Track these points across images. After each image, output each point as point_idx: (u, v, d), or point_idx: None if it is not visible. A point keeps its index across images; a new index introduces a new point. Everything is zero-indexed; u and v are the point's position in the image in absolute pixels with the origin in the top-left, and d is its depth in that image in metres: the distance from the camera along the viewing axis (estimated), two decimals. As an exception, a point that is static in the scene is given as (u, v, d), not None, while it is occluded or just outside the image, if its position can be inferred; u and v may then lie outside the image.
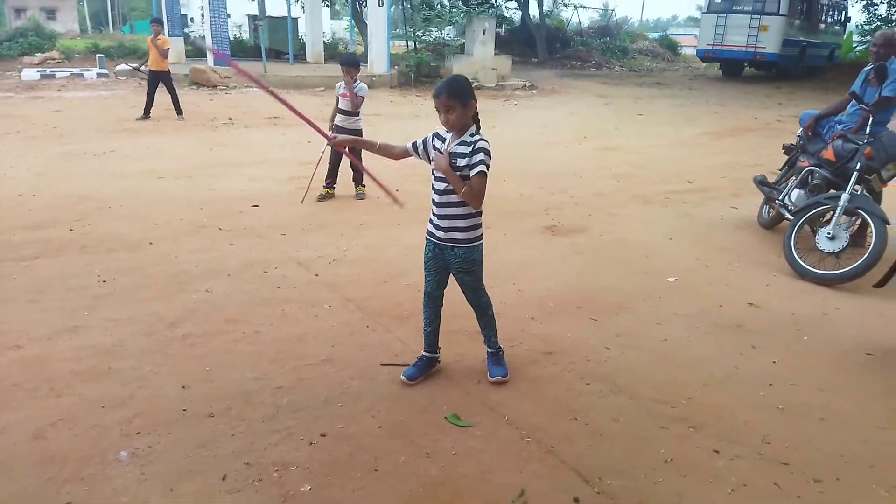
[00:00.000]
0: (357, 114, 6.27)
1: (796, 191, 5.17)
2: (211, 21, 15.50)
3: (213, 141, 9.33)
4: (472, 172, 2.77)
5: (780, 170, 5.96)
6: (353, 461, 2.56)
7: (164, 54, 10.66)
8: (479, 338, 3.26)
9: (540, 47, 26.84)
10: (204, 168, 7.60)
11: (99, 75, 16.17)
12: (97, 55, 17.89)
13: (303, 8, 23.73)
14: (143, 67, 11.31)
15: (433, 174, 2.91)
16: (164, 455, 2.54)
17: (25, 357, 3.23)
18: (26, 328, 3.53)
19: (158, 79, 10.71)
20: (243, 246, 5.03)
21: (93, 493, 2.32)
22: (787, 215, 5.11)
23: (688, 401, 3.03)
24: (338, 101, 6.29)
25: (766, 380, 3.24)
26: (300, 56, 21.28)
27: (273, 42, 20.57)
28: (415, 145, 2.97)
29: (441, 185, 2.86)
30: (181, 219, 5.62)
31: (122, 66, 16.43)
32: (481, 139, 2.81)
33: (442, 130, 2.92)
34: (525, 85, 17.71)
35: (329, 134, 3.05)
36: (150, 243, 4.98)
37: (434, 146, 2.91)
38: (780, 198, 5.30)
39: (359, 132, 6.19)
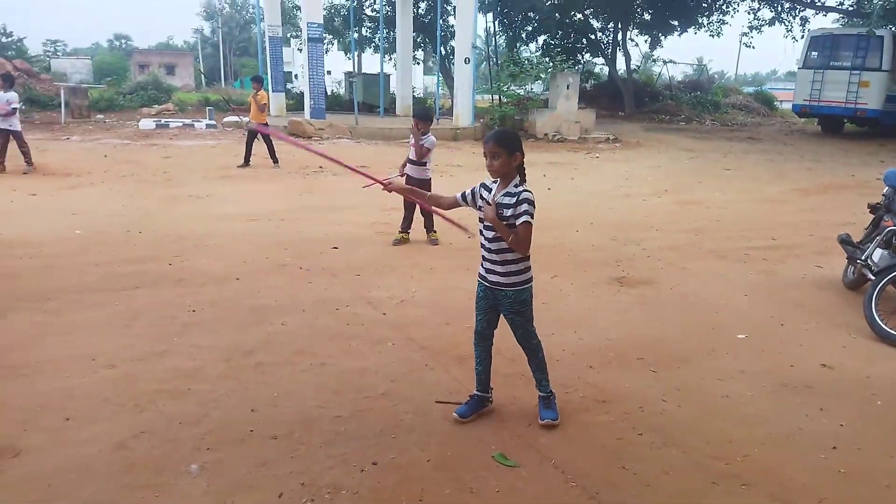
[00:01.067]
0: (424, 163, 6.60)
1: (879, 251, 4.95)
2: (310, 77, 16.62)
3: (304, 188, 9.94)
4: (518, 222, 2.94)
5: (866, 229, 5.71)
6: (400, 490, 2.67)
7: (262, 108, 11.54)
8: (533, 382, 3.32)
9: (627, 101, 26.86)
10: (293, 212, 8.11)
11: (208, 126, 17.60)
12: (207, 108, 19.52)
13: (395, 65, 24.99)
14: (243, 118, 12.27)
15: (481, 222, 3.08)
16: (228, 470, 2.75)
17: (117, 375, 3.59)
18: (120, 350, 3.91)
19: (256, 131, 11.57)
20: (320, 284, 5.34)
21: (162, 500, 2.55)
22: (870, 275, 4.89)
23: (743, 458, 2.96)
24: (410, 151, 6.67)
25: (830, 442, 3.10)
26: (391, 109, 22.31)
27: (366, 96, 21.71)
28: (464, 195, 3.17)
29: (490, 233, 3.03)
30: (266, 257, 6.04)
31: (231, 118, 17.82)
32: (525, 190, 2.99)
33: (489, 180, 3.09)
34: (608, 138, 17.74)
35: (384, 180, 3.30)
36: (237, 279, 5.38)
37: (481, 196, 3.08)
38: (863, 257, 5.08)
39: (426, 181, 6.53)
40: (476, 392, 3.29)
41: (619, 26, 28.35)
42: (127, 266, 5.64)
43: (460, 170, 12.10)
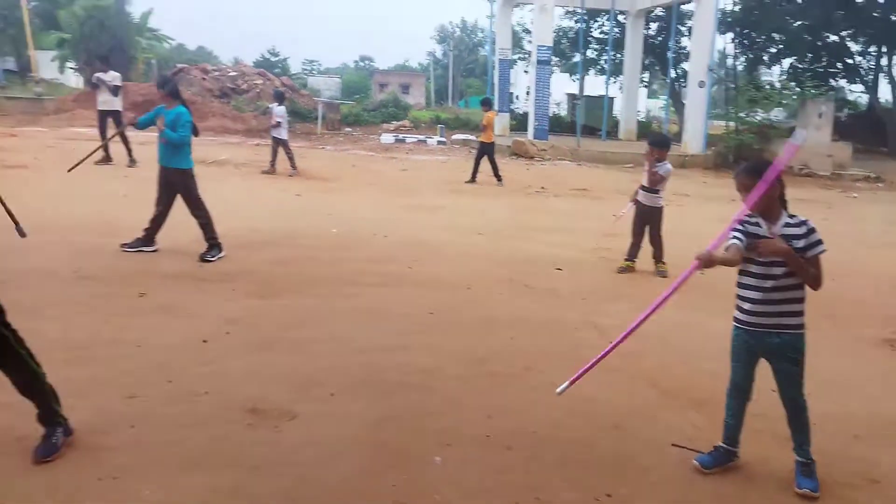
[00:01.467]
0: (657, 191, 6.35)
1: None
2: (536, 99, 17.02)
3: (526, 206, 10.17)
4: (814, 252, 2.72)
5: None
6: (635, 527, 2.59)
7: (489, 128, 12.04)
8: (789, 444, 3.01)
9: (891, 136, 23.39)
10: (515, 229, 8.33)
11: (439, 142, 18.85)
12: (438, 125, 20.92)
13: (620, 88, 24.54)
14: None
15: (748, 260, 2.82)
16: (468, 468, 2.89)
17: (368, 361, 3.96)
18: (370, 339, 4.31)
19: (485, 150, 12.11)
20: (545, 304, 5.39)
21: (410, 484, 2.75)
22: None
23: None
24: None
25: None
26: (613, 133, 21.94)
27: (588, 119, 21.64)
28: (740, 243, 2.80)
29: (777, 269, 2.76)
30: (493, 271, 6.26)
31: (459, 136, 18.93)
32: (809, 220, 2.77)
33: (743, 217, 2.83)
34: (869, 176, 15.60)
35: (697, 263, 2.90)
36: (468, 288, 5.65)
37: (750, 232, 2.80)
38: None
39: (658, 210, 6.34)
40: (722, 444, 3.05)
41: (884, 50, 24.83)
42: (374, 265, 6.21)
43: (688, 199, 11.49)
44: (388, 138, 19.00)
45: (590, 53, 28.82)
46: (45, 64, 39.79)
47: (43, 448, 2.71)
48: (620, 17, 22.53)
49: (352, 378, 3.70)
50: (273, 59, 70.12)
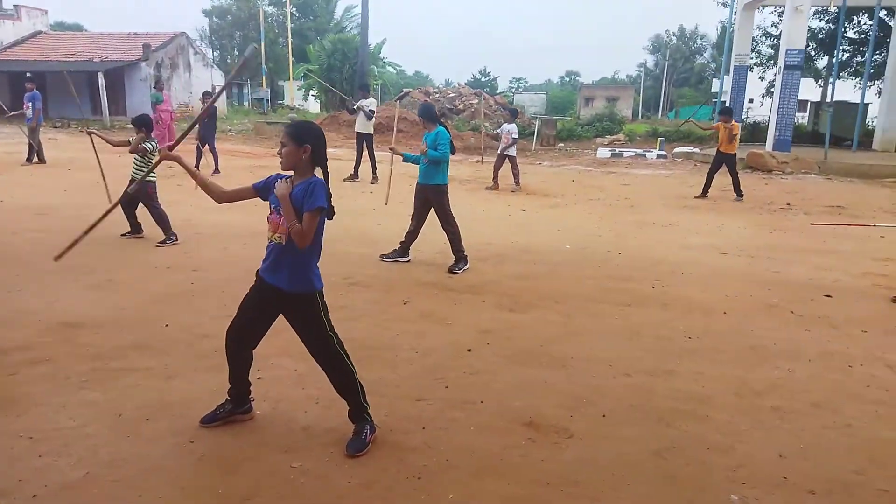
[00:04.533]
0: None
1: None
2: (779, 107, 15.54)
3: (772, 225, 9.29)
4: None
5: None
6: None
7: (731, 139, 11.19)
8: None
9: None
10: (765, 250, 7.63)
11: (658, 156, 18.08)
12: (658, 138, 20.06)
13: (878, 93, 21.45)
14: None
15: None
16: (770, 513, 2.67)
17: (634, 384, 3.86)
18: (632, 361, 4.20)
19: (723, 161, 11.30)
20: (819, 334, 4.85)
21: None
22: None
23: None
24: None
25: None
26: (864, 143, 19.25)
27: (835, 128, 19.24)
28: None
29: None
30: (750, 295, 5.78)
31: (680, 149, 17.96)
32: None
33: None
34: None
35: None
36: (724, 312, 5.28)
37: None
38: None
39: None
40: None
41: None
42: (614, 283, 6.09)
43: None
44: (604, 153, 18.67)
45: (842, 56, 25.64)
46: (295, 93, 45.76)
47: (354, 443, 3.02)
48: (883, 14, 19.73)
49: (621, 400, 3.63)
50: (483, 78, 73.09)
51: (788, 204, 10.89)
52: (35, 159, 13.46)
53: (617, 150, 19.13)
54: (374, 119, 12.58)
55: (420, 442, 3.15)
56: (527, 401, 3.59)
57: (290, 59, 30.57)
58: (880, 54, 19.84)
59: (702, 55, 76.17)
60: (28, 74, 16.19)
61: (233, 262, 6.38)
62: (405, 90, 33.23)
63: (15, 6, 31.91)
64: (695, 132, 23.35)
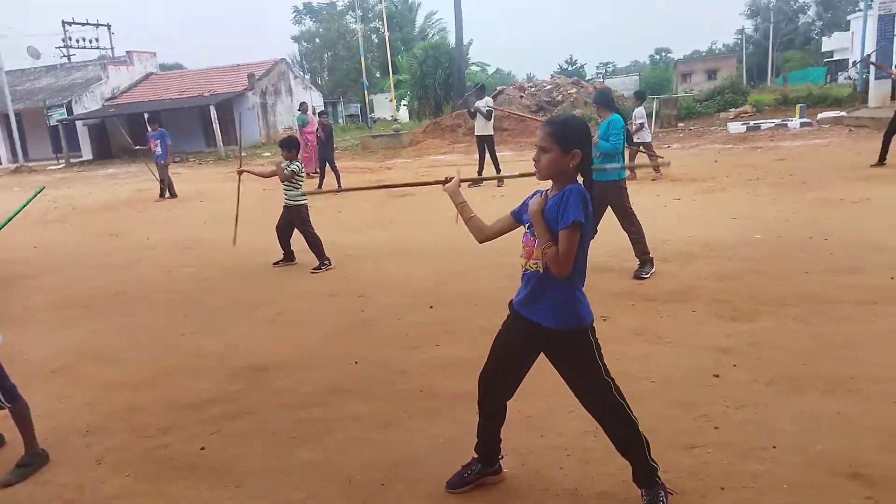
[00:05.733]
0: None
1: None
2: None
3: None
4: None
5: None
6: None
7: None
8: None
9: None
10: None
11: (802, 124, 16.37)
12: (797, 105, 18.22)
13: None
14: None
15: None
16: None
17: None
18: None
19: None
20: None
21: None
22: None
23: None
24: None
25: None
26: None
27: None
28: None
29: None
30: None
31: (827, 114, 16.19)
32: None
33: None
34: None
35: None
36: None
37: None
38: None
39: None
40: None
41: None
42: (840, 276, 5.15)
43: None
44: (736, 127, 17.13)
45: None
46: (383, 105, 46.25)
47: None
48: None
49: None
50: (570, 67, 71.12)
51: None
52: (167, 194, 13.90)
53: (751, 123, 17.51)
54: (493, 120, 11.99)
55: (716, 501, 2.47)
56: (830, 443, 2.83)
57: (390, 68, 30.57)
58: None
59: (805, 13, 70.62)
60: (146, 115, 16.93)
61: (396, 285, 5.98)
62: (477, 84, 32.50)
63: (127, 52, 34.17)
64: (831, 95, 21.19)
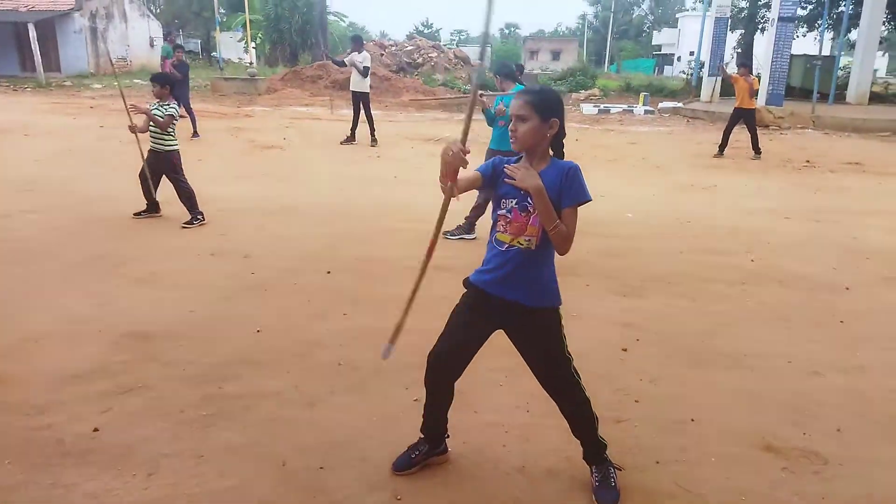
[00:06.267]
0: None
1: None
2: (773, 60, 15.39)
3: (810, 185, 9.07)
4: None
5: None
6: None
7: (753, 94, 10.86)
8: None
9: None
10: (825, 213, 7.36)
11: (646, 112, 17.75)
12: (642, 94, 19.70)
13: (851, 46, 21.72)
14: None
15: None
16: None
17: (839, 387, 3.43)
18: (810, 356, 3.77)
19: (741, 116, 10.99)
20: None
21: None
22: None
23: None
24: None
25: None
26: (838, 96, 19.51)
27: (805, 82, 19.37)
28: None
29: None
30: (855, 266, 5.47)
31: (666, 104, 17.68)
32: None
33: None
34: None
35: None
36: (847, 288, 4.92)
37: None
38: None
39: None
40: None
41: None
42: (712, 257, 5.65)
43: None
44: (589, 109, 18.19)
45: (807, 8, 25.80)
46: (229, 45, 42.93)
47: (606, 494, 2.45)
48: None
49: (842, 408, 3.19)
50: (426, 30, 70.89)
51: (808, 161, 10.74)
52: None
53: (601, 106, 18.68)
54: (369, 76, 11.57)
55: (668, 481, 2.62)
56: (743, 417, 3.11)
57: (247, 5, 28.26)
58: (852, 7, 19.97)
59: (640, 7, 76.35)
60: None
61: (285, 246, 5.61)
62: (355, 36, 31.44)
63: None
64: (667, 86, 23.22)
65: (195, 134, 11.70)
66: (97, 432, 2.81)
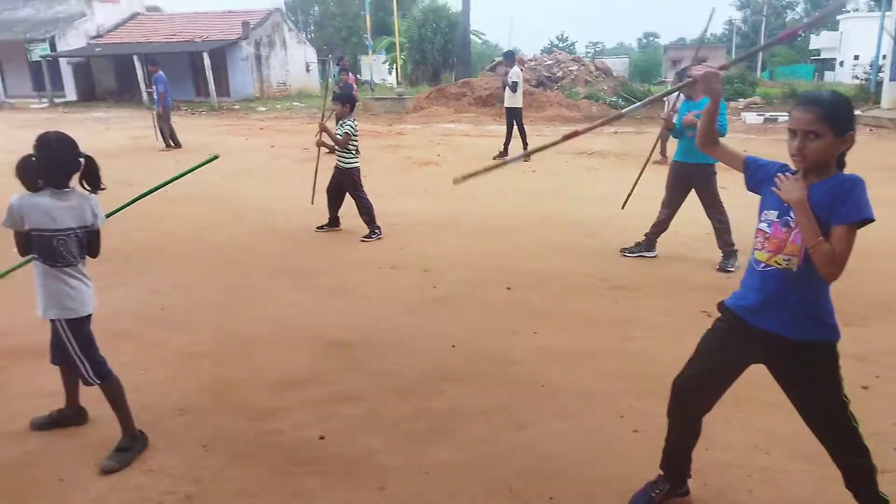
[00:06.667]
0: None
1: None
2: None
3: None
4: None
5: None
6: None
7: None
8: None
9: None
10: None
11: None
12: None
13: None
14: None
15: None
16: None
17: None
18: None
19: None
20: None
21: None
22: None
23: None
24: None
25: None
26: None
27: None
28: None
29: None
30: None
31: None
32: None
33: None
34: None
35: None
36: None
37: None
38: None
39: None
40: None
41: None
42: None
43: None
44: (753, 118, 16.96)
45: None
46: (373, 67, 45.00)
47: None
48: None
49: None
50: (561, 44, 70.29)
51: None
52: (172, 144, 13.18)
53: (768, 114, 17.35)
54: (519, 91, 11.51)
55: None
56: None
57: (396, 28, 29.40)
58: None
59: (793, 10, 70.90)
60: (135, 56, 15.75)
61: (460, 260, 5.63)
62: (495, 60, 31.87)
63: (113, -12, 32.40)
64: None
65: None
66: (323, 440, 2.89)
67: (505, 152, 11.71)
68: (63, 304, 2.60)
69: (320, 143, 6.42)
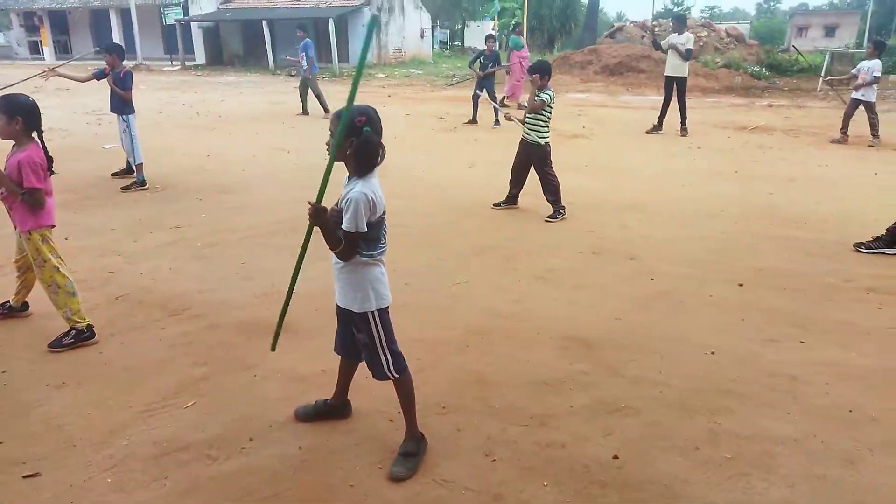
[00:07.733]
0: None
1: None
2: None
3: None
4: None
5: None
6: None
7: None
8: None
9: None
10: None
11: None
12: None
13: None
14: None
15: None
16: None
17: None
18: None
19: None
20: None
21: None
22: None
23: None
24: None
25: None
26: None
27: None
28: None
29: None
30: None
31: None
32: None
33: None
34: None
35: None
36: None
37: None
38: None
39: None
40: None
41: None
42: None
43: None
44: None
45: None
46: (474, 32, 44.01)
47: None
48: None
49: None
50: (675, 8, 66.06)
51: None
52: (324, 111, 13.22)
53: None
54: (689, 60, 10.60)
55: None
56: None
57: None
58: None
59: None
60: (266, 24, 15.68)
61: (663, 249, 5.16)
62: (615, 25, 30.19)
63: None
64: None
65: (497, 122, 11.79)
66: (617, 460, 2.55)
67: (659, 126, 10.91)
68: (379, 293, 2.41)
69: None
